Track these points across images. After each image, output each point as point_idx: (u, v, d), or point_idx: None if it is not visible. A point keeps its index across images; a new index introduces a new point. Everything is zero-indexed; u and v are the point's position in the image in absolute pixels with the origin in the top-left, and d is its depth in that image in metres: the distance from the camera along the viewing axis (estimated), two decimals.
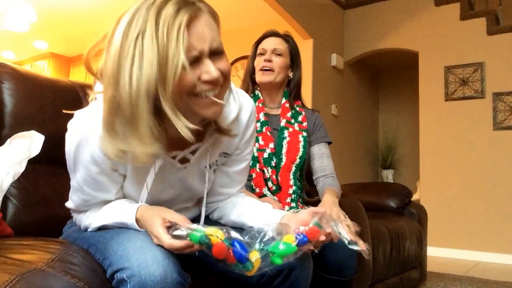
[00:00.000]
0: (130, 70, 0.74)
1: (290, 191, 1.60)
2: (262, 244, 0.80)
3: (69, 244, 0.95)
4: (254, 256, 0.78)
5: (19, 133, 0.91)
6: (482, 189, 3.90)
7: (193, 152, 0.95)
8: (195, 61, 0.79)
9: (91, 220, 0.95)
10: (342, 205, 1.71)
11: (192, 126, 0.77)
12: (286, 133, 1.66)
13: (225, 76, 0.85)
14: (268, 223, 0.87)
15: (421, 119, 4.32)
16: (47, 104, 1.30)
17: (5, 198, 1.15)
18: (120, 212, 0.91)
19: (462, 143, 4.04)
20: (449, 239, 3.96)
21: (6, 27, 4.59)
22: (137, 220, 0.88)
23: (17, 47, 6.13)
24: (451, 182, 4.06)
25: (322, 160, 1.70)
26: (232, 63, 5.07)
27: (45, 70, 6.30)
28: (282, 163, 1.62)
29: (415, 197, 4.15)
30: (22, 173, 1.05)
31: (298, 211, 1.02)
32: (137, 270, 0.77)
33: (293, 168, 1.63)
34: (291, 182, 1.61)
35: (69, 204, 1.01)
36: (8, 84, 1.25)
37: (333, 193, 1.56)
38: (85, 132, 0.85)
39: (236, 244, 0.77)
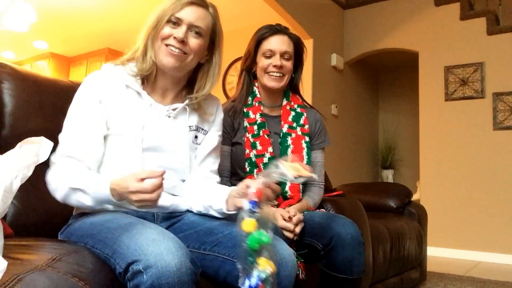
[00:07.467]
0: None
1: (297, 204, 1.55)
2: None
3: (69, 244, 0.95)
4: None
5: (28, 138, 0.92)
6: (482, 189, 3.89)
7: (174, 110, 1.21)
8: (177, 24, 1.15)
9: (64, 179, 1.03)
10: (342, 205, 1.71)
11: (153, 58, 1.15)
12: (289, 141, 1.59)
13: (191, 51, 1.15)
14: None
15: (421, 119, 4.32)
16: (47, 104, 1.30)
17: None
18: (93, 180, 1.01)
19: (462, 143, 4.04)
20: (449, 239, 3.96)
21: (6, 27, 4.58)
22: (112, 190, 0.96)
23: (17, 47, 6.13)
24: (451, 182, 4.06)
25: (315, 169, 1.64)
26: (232, 63, 5.06)
27: (45, 70, 6.30)
28: None
29: (415, 197, 4.15)
30: None
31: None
32: (153, 261, 0.80)
33: None
34: (301, 194, 1.59)
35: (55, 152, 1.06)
36: (8, 84, 1.25)
37: (304, 203, 1.58)
38: (99, 71, 1.18)
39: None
